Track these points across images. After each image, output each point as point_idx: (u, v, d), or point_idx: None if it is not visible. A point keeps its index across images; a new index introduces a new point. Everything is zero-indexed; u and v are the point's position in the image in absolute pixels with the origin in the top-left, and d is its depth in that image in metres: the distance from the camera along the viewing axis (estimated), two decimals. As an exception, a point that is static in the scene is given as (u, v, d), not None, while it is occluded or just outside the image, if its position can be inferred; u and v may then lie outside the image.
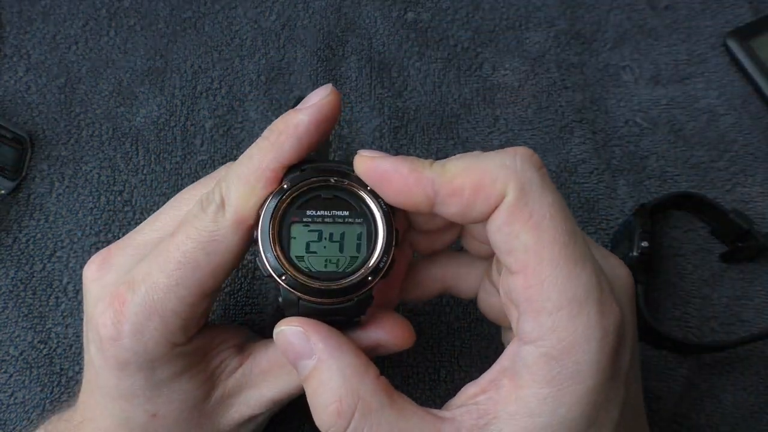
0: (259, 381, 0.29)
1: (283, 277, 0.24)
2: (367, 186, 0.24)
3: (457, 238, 0.28)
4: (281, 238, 0.24)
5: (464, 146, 0.43)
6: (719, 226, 0.40)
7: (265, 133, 0.26)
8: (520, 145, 0.24)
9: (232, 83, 0.44)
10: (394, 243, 0.25)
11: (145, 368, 0.26)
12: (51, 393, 0.37)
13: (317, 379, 0.23)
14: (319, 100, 0.25)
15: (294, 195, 0.24)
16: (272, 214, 0.24)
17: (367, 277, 0.24)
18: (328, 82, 0.44)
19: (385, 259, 0.24)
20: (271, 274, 0.24)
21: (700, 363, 0.38)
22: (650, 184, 0.42)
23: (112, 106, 0.43)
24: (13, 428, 0.36)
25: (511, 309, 0.24)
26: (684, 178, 0.42)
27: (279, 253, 0.24)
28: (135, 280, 0.25)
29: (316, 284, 0.24)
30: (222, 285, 0.27)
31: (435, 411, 0.23)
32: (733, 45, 0.45)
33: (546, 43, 0.46)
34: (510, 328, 0.25)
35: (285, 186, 0.24)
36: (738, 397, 0.37)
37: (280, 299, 0.25)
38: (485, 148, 0.42)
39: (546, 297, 0.21)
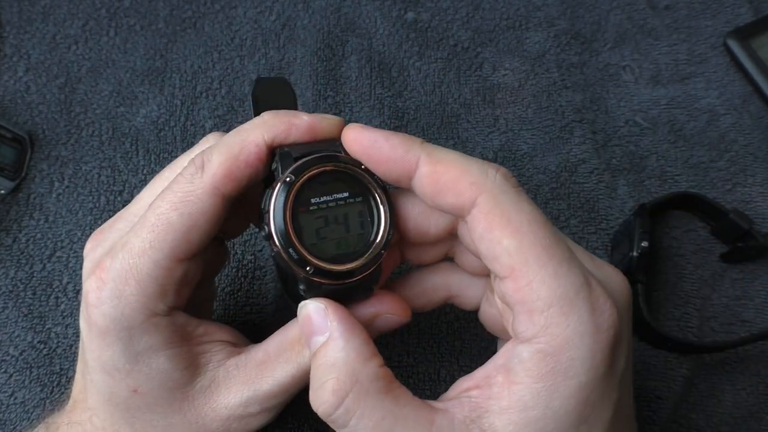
0: (253, 374, 0.28)
1: (308, 268, 0.25)
2: (361, 165, 0.26)
3: (447, 252, 0.29)
4: (297, 231, 0.25)
5: (464, 146, 0.43)
6: (719, 226, 0.40)
7: (264, 114, 0.27)
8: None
9: (232, 83, 0.44)
10: (394, 215, 0.26)
11: (124, 338, 0.26)
12: (51, 393, 0.37)
13: (323, 355, 0.24)
14: (328, 117, 0.27)
15: (299, 185, 0.25)
16: (284, 208, 0.25)
17: (380, 251, 0.26)
18: (329, 82, 0.44)
19: (392, 231, 0.26)
20: (294, 269, 0.25)
21: (700, 363, 0.38)
22: (650, 184, 0.42)
23: (112, 106, 0.43)
24: (13, 428, 0.36)
25: (506, 313, 0.25)
26: (684, 178, 0.42)
27: (300, 246, 0.25)
28: (114, 248, 0.26)
29: (337, 268, 0.25)
30: (198, 253, 0.27)
31: (430, 402, 0.24)
32: (733, 45, 0.45)
33: (546, 43, 0.46)
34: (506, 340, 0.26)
35: (287, 179, 0.25)
36: (738, 397, 0.37)
37: (301, 287, 0.26)
38: (485, 148, 0.43)
39: (536, 296, 0.22)
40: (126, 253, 0.26)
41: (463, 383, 0.24)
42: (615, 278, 0.25)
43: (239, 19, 0.46)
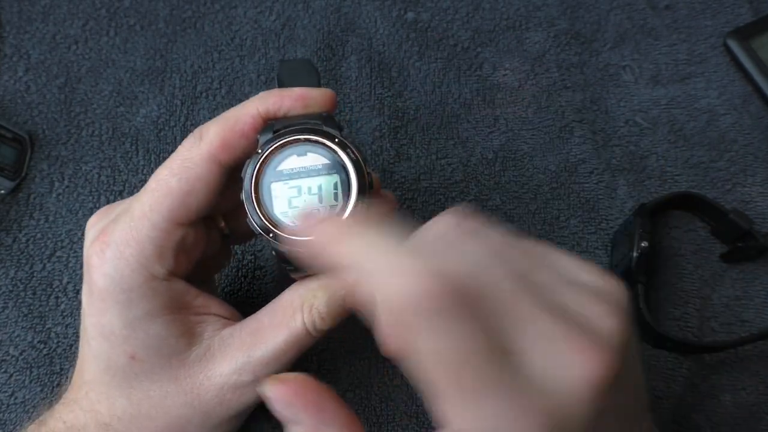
0: (248, 341, 0.28)
1: (271, 234, 0.26)
2: (335, 138, 0.27)
3: None
4: (263, 199, 0.27)
5: (464, 146, 0.43)
6: (719, 226, 0.40)
7: (261, 92, 0.29)
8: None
9: (232, 83, 0.44)
10: (366, 188, 0.27)
11: (122, 301, 0.27)
12: (51, 393, 0.37)
13: None
14: (317, 89, 0.28)
15: (269, 157, 0.27)
16: (251, 178, 0.26)
17: None
18: (328, 82, 0.44)
19: (360, 205, 0.27)
20: (260, 233, 0.26)
21: (700, 363, 0.38)
22: (650, 184, 0.42)
23: (112, 106, 0.43)
24: (13, 428, 0.37)
25: None
26: (684, 178, 0.42)
27: (262, 213, 0.26)
28: (118, 216, 0.28)
29: (298, 237, 0.26)
30: (195, 219, 0.28)
31: None
32: (733, 45, 0.45)
33: (546, 43, 0.46)
34: None
35: (259, 151, 0.27)
36: (738, 397, 0.37)
37: (273, 252, 0.27)
38: (485, 148, 0.43)
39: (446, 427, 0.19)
40: (127, 217, 0.27)
41: None
42: (565, 369, 0.20)
43: (239, 19, 0.46)
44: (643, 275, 0.37)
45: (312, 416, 0.21)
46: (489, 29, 0.46)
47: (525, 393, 0.19)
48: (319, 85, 0.31)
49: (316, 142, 0.27)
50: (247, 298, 0.39)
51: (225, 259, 0.35)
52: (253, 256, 0.40)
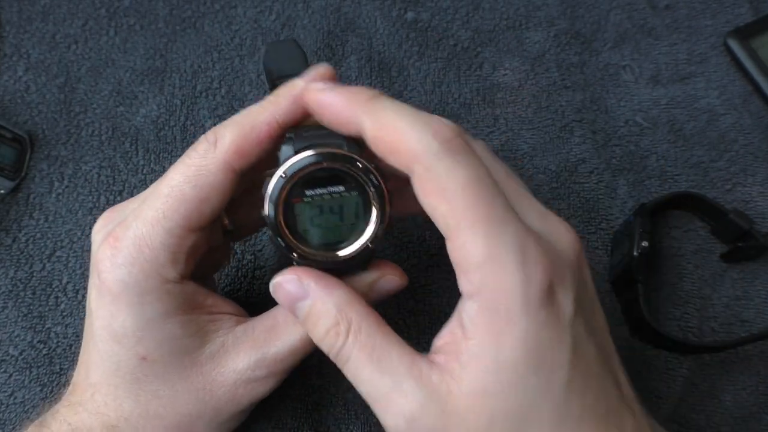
0: (262, 338, 0.29)
1: (295, 254, 0.27)
2: (358, 163, 0.27)
3: None
4: (287, 219, 0.27)
5: (464, 146, 0.43)
6: (719, 226, 0.40)
7: (270, 96, 0.28)
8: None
9: (232, 83, 0.44)
10: (387, 209, 0.28)
11: (135, 303, 0.27)
12: (51, 393, 0.37)
13: (316, 314, 0.26)
14: (315, 70, 0.28)
15: (293, 181, 0.27)
16: (276, 201, 0.27)
17: (367, 244, 0.28)
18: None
19: (381, 226, 0.28)
20: (285, 252, 0.27)
21: (700, 363, 0.38)
22: (650, 184, 0.42)
23: (112, 105, 0.43)
24: (13, 428, 0.37)
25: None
26: (684, 178, 0.42)
27: (288, 235, 0.27)
28: (128, 219, 0.28)
29: (322, 256, 0.28)
30: (208, 225, 0.28)
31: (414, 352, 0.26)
32: (733, 45, 0.45)
33: (546, 43, 0.46)
34: None
35: (283, 175, 0.27)
36: (738, 397, 0.37)
37: (294, 263, 0.28)
38: (485, 148, 0.43)
39: (470, 256, 0.24)
40: (140, 222, 0.27)
41: (437, 342, 0.26)
42: (559, 231, 0.26)
43: (239, 18, 0.46)
44: (643, 275, 0.37)
45: (317, 284, 0.27)
46: (489, 29, 0.46)
47: (531, 232, 0.24)
48: (307, 66, 0.31)
49: (338, 167, 0.27)
50: (247, 298, 0.39)
51: (225, 258, 0.35)
52: (253, 256, 0.40)
